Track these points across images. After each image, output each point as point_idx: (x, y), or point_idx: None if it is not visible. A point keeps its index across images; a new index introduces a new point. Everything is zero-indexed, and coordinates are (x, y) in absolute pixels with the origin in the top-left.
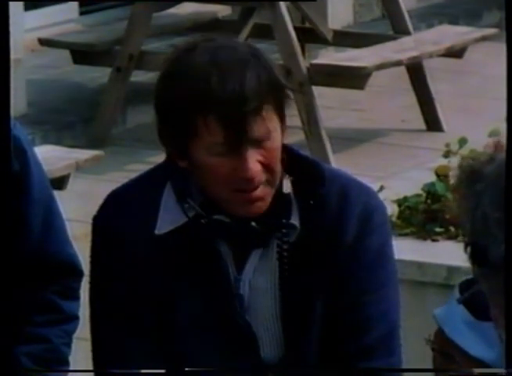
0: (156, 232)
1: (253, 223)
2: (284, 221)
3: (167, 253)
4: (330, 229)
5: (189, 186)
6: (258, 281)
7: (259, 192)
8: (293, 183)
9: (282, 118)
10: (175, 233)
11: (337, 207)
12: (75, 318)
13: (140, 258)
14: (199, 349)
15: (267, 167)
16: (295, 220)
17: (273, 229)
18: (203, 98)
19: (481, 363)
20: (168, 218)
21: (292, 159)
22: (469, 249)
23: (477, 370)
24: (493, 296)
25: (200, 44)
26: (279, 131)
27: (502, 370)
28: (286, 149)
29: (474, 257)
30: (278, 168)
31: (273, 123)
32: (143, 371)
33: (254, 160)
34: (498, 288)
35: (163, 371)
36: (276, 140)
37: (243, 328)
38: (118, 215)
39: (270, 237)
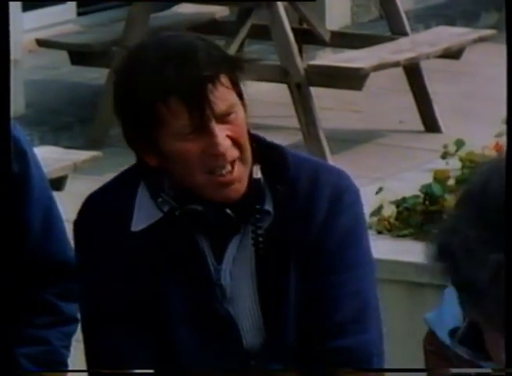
0: (132, 229)
1: (227, 210)
2: (258, 207)
3: (146, 250)
4: (302, 213)
5: (162, 183)
6: (238, 270)
7: (235, 173)
8: (263, 170)
9: (240, 94)
10: (152, 230)
11: (307, 190)
12: (74, 320)
13: (119, 257)
14: (185, 342)
15: (236, 142)
16: (269, 206)
17: (248, 215)
18: (160, 84)
19: (475, 365)
20: (143, 215)
21: (261, 147)
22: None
23: (473, 371)
24: (486, 320)
25: (147, 40)
26: (240, 106)
27: (498, 370)
28: (255, 137)
29: (461, 288)
30: (247, 144)
31: (233, 97)
32: (129, 371)
33: (223, 136)
34: (490, 310)
35: (151, 371)
36: (240, 114)
37: (225, 318)
38: (94, 218)
39: (245, 224)
